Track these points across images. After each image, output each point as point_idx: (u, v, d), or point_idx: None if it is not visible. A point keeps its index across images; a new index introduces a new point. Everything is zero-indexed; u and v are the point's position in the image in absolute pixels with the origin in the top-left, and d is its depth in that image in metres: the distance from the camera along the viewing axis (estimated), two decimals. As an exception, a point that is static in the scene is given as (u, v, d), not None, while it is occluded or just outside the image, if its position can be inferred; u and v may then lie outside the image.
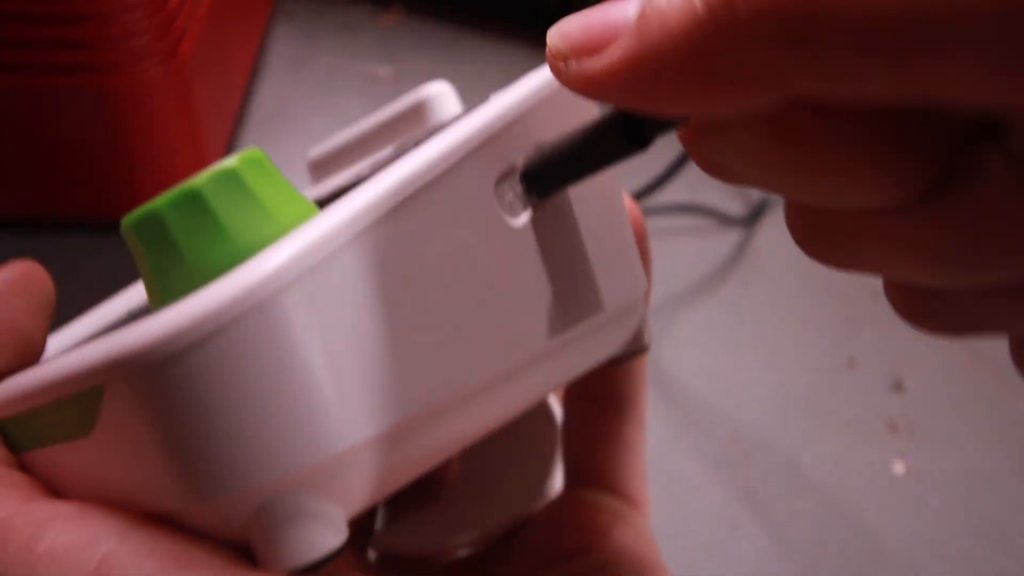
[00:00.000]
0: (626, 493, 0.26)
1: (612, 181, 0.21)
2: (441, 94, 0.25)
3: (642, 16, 0.13)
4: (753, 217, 0.63)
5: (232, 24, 0.60)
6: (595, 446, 0.26)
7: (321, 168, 0.28)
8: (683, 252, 0.61)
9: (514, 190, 0.18)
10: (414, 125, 0.25)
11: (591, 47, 0.14)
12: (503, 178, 0.18)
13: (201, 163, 0.54)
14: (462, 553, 0.26)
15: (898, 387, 0.55)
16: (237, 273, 0.14)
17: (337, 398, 0.15)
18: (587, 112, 0.20)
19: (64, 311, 0.23)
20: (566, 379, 0.20)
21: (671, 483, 0.49)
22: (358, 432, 0.15)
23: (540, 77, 0.19)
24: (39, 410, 0.16)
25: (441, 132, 0.18)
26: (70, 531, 0.15)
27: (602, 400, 0.26)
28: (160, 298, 0.16)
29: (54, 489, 0.16)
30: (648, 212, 0.62)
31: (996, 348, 0.57)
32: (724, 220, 0.63)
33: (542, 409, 0.28)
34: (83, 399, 0.15)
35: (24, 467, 0.17)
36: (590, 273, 0.19)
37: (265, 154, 0.17)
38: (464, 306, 0.17)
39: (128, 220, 0.16)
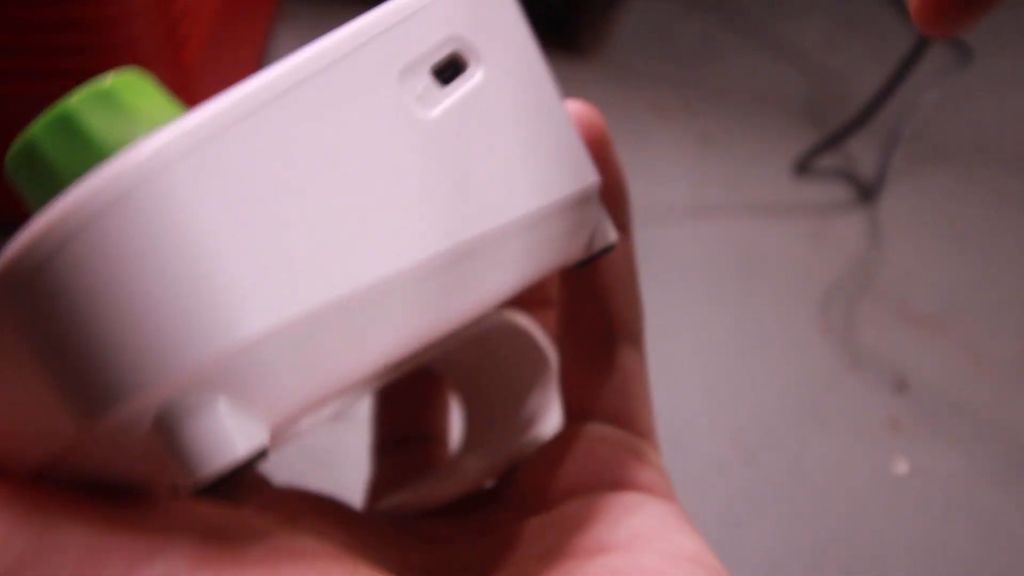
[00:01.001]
0: (629, 423, 0.24)
1: (541, 74, 0.20)
2: None
3: None
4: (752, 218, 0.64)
5: (237, 28, 0.60)
6: (590, 375, 0.24)
7: None
8: (680, 249, 0.61)
9: (424, 80, 0.17)
10: None
11: None
12: (410, 68, 0.17)
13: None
14: (456, 494, 0.25)
15: (901, 387, 0.55)
16: (104, 166, 0.13)
17: (234, 279, 0.13)
18: (503, 6, 0.19)
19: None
20: (511, 283, 0.19)
21: (674, 483, 0.49)
22: (263, 318, 0.13)
23: None
24: None
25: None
26: None
27: (590, 326, 0.24)
28: None
29: None
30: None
31: (998, 348, 0.58)
32: (729, 221, 0.63)
33: (530, 344, 0.26)
34: None
35: None
36: (518, 162, 0.18)
37: (148, 75, 0.16)
38: (376, 193, 0.16)
39: (9, 155, 0.15)
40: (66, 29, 0.44)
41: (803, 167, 0.68)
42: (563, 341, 0.24)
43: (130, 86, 0.15)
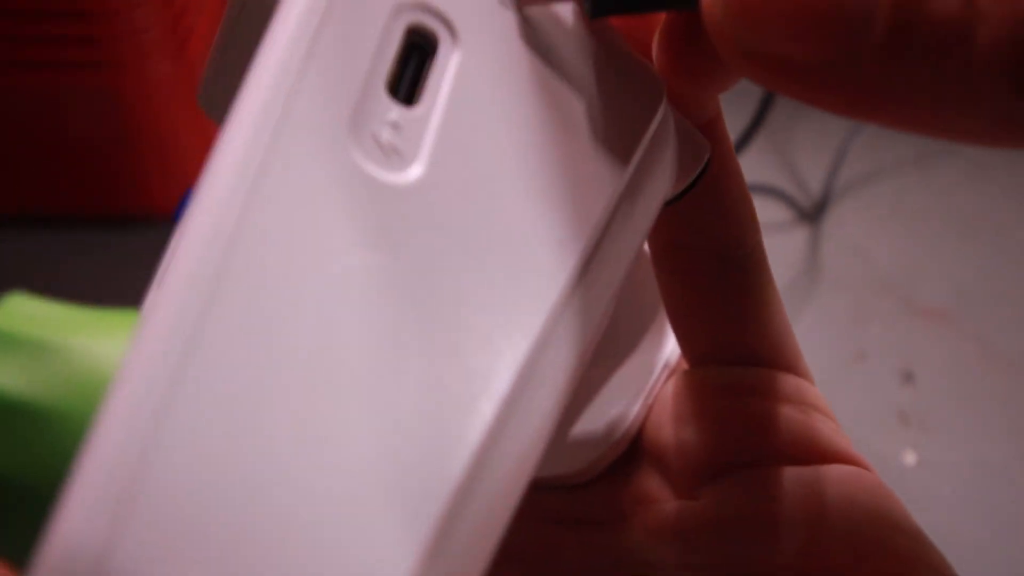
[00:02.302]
0: (778, 360, 0.18)
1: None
2: None
3: None
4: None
5: (240, 20, 0.60)
6: (708, 312, 0.18)
7: (218, 106, 0.18)
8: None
9: (384, 111, 0.11)
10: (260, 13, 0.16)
11: None
12: (361, 105, 0.11)
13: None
14: (581, 479, 0.20)
15: (908, 379, 0.54)
16: None
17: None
18: None
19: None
20: (616, 285, 0.14)
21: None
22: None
23: None
24: None
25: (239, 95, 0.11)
26: None
27: (693, 255, 0.17)
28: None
29: None
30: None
31: (1005, 340, 0.57)
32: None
33: (644, 260, 0.20)
34: None
35: None
36: (584, 130, 0.13)
37: (18, 297, 0.12)
38: (417, 318, 0.11)
39: None
40: (69, 20, 0.44)
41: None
42: (665, 275, 0.18)
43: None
